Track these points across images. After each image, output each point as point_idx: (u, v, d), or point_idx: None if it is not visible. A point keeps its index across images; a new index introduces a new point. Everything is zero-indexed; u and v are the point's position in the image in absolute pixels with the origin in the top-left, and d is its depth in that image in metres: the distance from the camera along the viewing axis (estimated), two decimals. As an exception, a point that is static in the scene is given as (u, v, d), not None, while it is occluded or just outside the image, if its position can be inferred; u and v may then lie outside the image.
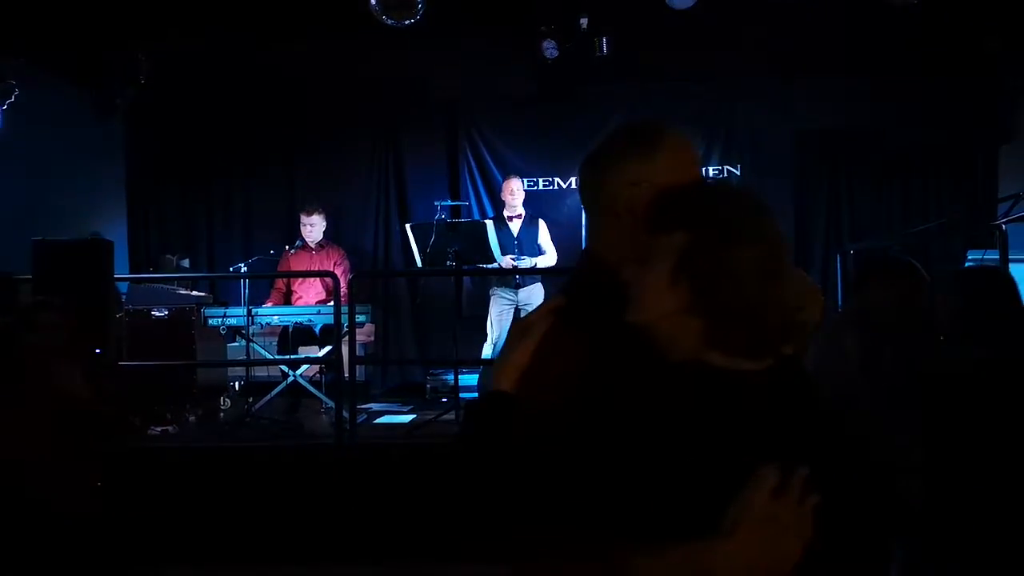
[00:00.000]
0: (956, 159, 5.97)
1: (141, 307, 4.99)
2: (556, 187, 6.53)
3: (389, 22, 4.82)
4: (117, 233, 5.89)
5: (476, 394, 5.53)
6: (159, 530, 3.82)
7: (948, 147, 5.93)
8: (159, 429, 4.57)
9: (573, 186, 6.49)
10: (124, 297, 5.06)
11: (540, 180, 6.50)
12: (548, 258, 5.51)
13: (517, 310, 5.45)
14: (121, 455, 3.86)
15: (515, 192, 5.52)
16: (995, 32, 5.30)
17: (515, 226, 5.50)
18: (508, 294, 5.44)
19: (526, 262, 5.36)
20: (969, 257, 5.04)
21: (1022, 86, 5.52)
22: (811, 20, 5.51)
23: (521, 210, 5.55)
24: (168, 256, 5.74)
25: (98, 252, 3.89)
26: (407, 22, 4.82)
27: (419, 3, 4.65)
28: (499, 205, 5.97)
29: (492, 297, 5.50)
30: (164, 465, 4.08)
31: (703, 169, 6.51)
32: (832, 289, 5.38)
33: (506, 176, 5.90)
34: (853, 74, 5.88)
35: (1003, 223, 4.23)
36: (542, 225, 5.57)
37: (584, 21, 5.55)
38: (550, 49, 5.73)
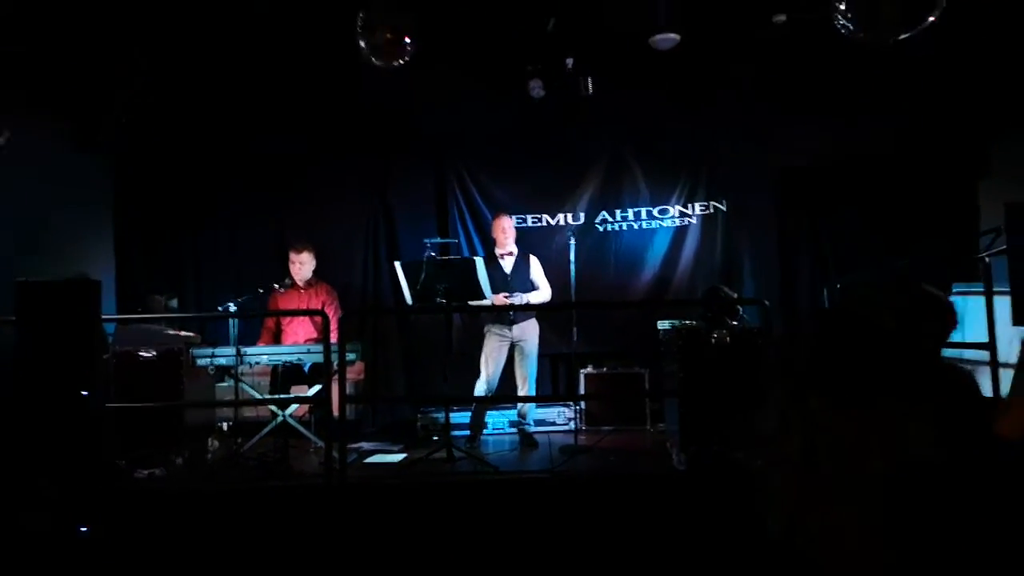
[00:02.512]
0: (937, 193, 6.07)
1: (128, 348, 4.94)
2: (545, 223, 6.58)
3: (378, 63, 4.89)
4: (104, 273, 5.85)
5: (468, 432, 5.51)
6: (146, 573, 3.75)
7: (929, 181, 6.03)
8: (146, 472, 4.49)
9: (562, 222, 6.55)
10: (111, 338, 5.02)
11: (528, 217, 6.55)
12: (542, 294, 5.53)
13: (512, 346, 5.45)
14: (108, 499, 3.81)
15: (506, 230, 5.56)
16: (970, 68, 5.45)
17: (507, 264, 5.52)
18: (502, 331, 5.44)
19: (517, 299, 5.38)
20: (954, 290, 5.10)
21: (997, 121, 5.64)
22: (792, 58, 5.66)
23: (512, 248, 5.58)
24: (156, 296, 5.69)
25: (84, 292, 3.85)
26: (395, 63, 4.89)
27: (407, 46, 4.72)
28: (489, 243, 6.01)
29: (487, 334, 5.50)
30: (151, 509, 4.01)
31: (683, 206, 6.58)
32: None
33: (495, 214, 5.94)
34: (834, 111, 6.01)
35: (986, 256, 4.30)
36: (534, 261, 5.60)
37: (570, 61, 5.67)
38: (536, 89, 5.84)
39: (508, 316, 5.39)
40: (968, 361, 4.64)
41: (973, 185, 5.94)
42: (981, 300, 4.35)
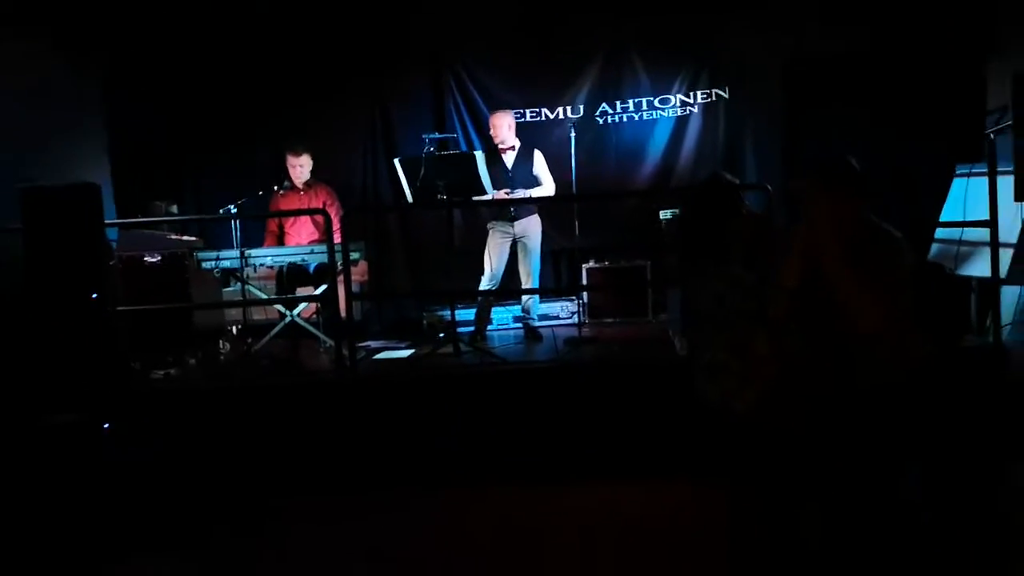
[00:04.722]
0: (947, 79, 5.90)
1: (133, 253, 4.96)
2: (544, 118, 6.48)
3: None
4: (102, 184, 5.78)
5: (472, 328, 5.60)
6: (171, 469, 3.91)
7: (940, 64, 5.87)
8: (161, 373, 4.61)
9: (561, 116, 6.43)
10: (115, 244, 5.03)
11: (527, 112, 6.44)
12: (545, 188, 5.47)
13: (514, 243, 5.46)
14: (127, 398, 3.92)
15: (498, 127, 5.46)
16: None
17: (508, 159, 5.45)
18: (504, 227, 5.44)
19: (518, 194, 5.34)
20: (957, 171, 5.06)
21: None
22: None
23: (514, 142, 5.49)
24: (157, 203, 5.66)
25: (86, 196, 3.83)
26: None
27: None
28: (488, 139, 5.91)
29: (489, 231, 5.50)
30: (168, 407, 4.14)
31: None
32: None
33: (492, 111, 5.83)
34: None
35: (991, 132, 4.25)
36: (537, 156, 5.50)
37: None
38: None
39: (510, 212, 5.37)
40: (968, 242, 4.67)
41: (981, 66, 5.77)
42: (984, 181, 4.32)
